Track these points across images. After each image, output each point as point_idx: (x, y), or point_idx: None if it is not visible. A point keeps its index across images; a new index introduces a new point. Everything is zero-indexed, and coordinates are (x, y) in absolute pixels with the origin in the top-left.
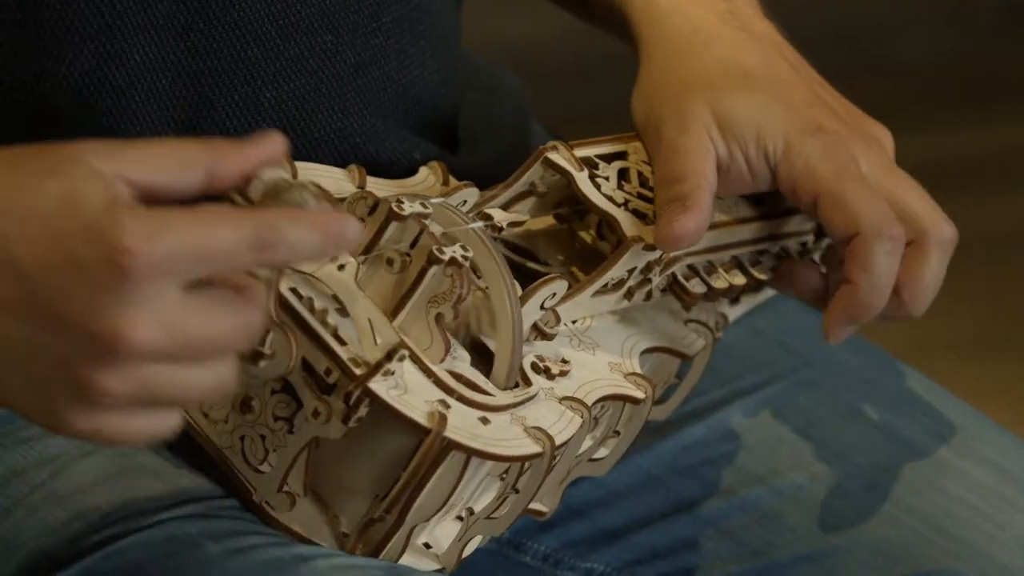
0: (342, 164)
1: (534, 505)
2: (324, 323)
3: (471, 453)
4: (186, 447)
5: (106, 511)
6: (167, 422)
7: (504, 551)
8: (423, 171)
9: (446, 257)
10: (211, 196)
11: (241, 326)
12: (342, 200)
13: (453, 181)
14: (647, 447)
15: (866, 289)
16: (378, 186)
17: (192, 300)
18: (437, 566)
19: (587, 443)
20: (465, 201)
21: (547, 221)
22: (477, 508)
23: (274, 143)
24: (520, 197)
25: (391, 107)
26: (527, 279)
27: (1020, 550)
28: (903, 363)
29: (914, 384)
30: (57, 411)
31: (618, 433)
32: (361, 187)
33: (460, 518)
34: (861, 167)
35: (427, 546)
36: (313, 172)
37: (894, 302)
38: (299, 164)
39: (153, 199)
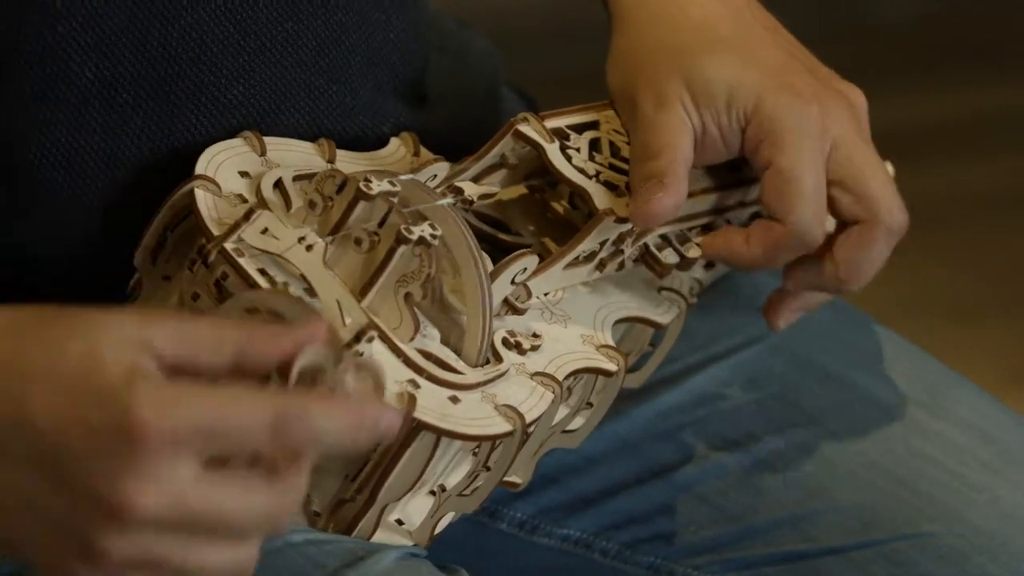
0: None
1: (508, 477)
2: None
3: (441, 433)
4: None
5: None
6: None
7: (480, 519)
8: (394, 142)
9: (414, 237)
10: None
11: (263, 508)
12: (311, 175)
13: (424, 152)
14: (622, 413)
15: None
16: (348, 160)
17: (209, 477)
18: (410, 542)
19: (561, 412)
20: (435, 176)
21: (519, 191)
22: (449, 484)
23: (315, 329)
24: (491, 169)
25: (360, 78)
26: (499, 251)
27: (995, 512)
28: (879, 324)
29: (890, 345)
30: (64, 566)
31: (591, 405)
32: (331, 161)
33: (432, 492)
34: (831, 135)
35: (399, 522)
36: (283, 147)
37: (831, 274)
38: (268, 139)
39: (180, 374)
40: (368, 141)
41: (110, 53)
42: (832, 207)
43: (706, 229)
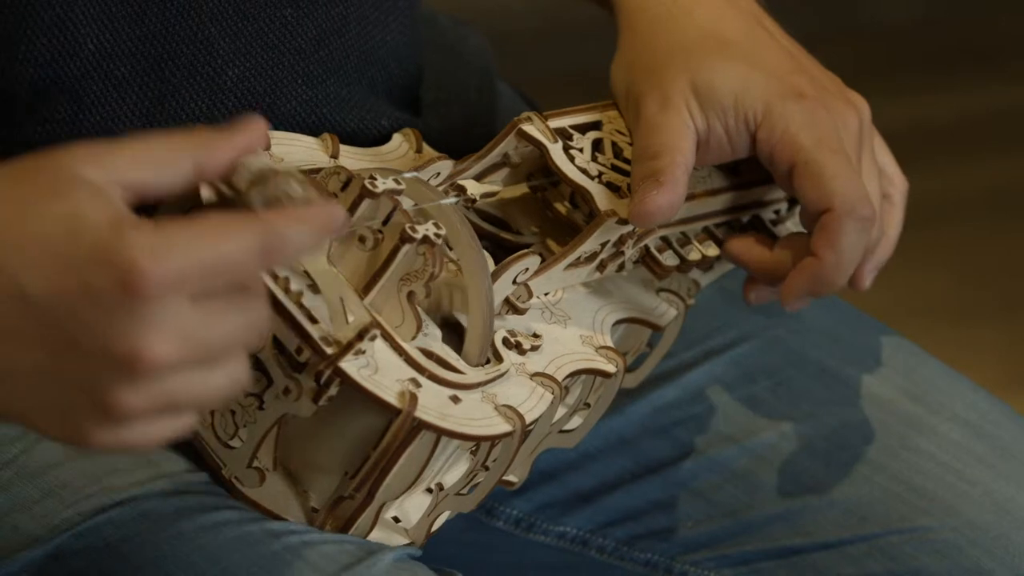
0: (311, 134)
1: (504, 476)
2: (296, 301)
3: (441, 433)
4: None
5: (77, 487)
6: (185, 423)
7: (477, 516)
8: (396, 138)
9: (419, 235)
10: None
11: (250, 324)
12: (316, 171)
13: (426, 148)
14: (618, 410)
15: (830, 266)
16: (352, 156)
17: (202, 308)
18: (406, 540)
19: (560, 412)
20: (438, 173)
21: (520, 190)
22: (447, 483)
23: (258, 128)
24: (493, 168)
25: (356, 74)
26: (501, 250)
27: (991, 507)
28: (872, 318)
29: (884, 341)
30: (80, 430)
31: (588, 405)
32: (334, 156)
33: (429, 490)
34: (841, 133)
35: (396, 520)
36: (286, 141)
37: (815, 268)
38: (272, 133)
39: (146, 196)
40: (367, 134)
41: (110, 25)
42: None
43: (706, 231)
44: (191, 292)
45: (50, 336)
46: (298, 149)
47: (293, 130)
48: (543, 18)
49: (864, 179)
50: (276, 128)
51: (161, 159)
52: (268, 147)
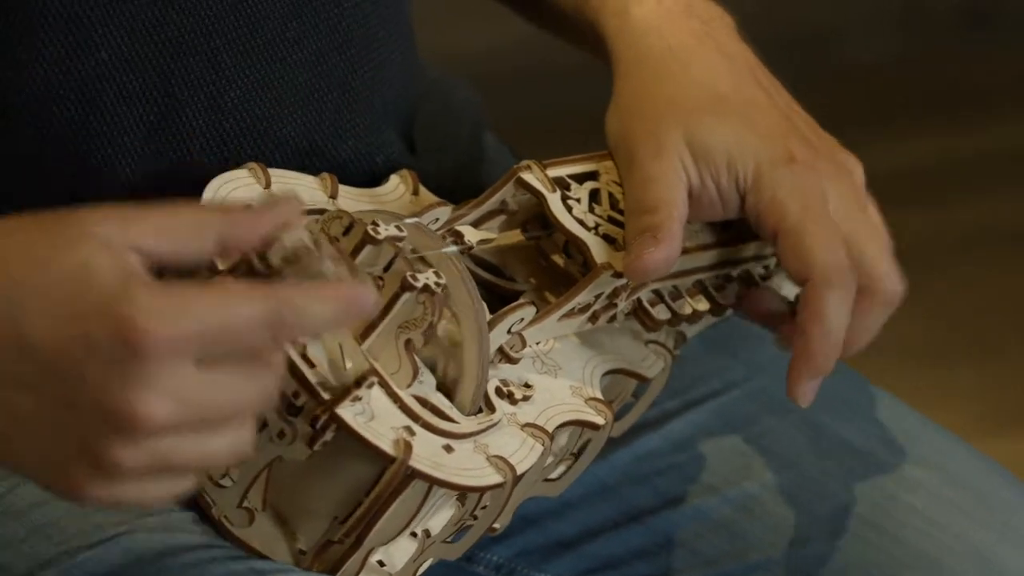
0: (304, 162)
1: None
2: (294, 344)
3: (434, 483)
4: None
5: (63, 526)
6: (184, 485)
7: (458, 561)
8: (394, 179)
9: (419, 284)
10: None
11: (256, 392)
12: (319, 213)
13: (423, 191)
14: (601, 457)
15: (818, 338)
16: (350, 197)
17: (208, 372)
18: None
19: (547, 459)
20: (437, 219)
21: (516, 237)
22: (433, 529)
23: (291, 207)
24: (490, 215)
25: (358, 94)
26: (495, 297)
27: (972, 558)
28: (852, 370)
29: (865, 393)
30: (74, 482)
31: (574, 455)
32: (333, 196)
33: (414, 535)
34: (829, 202)
35: (381, 564)
36: (287, 180)
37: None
38: (274, 171)
39: (165, 266)
40: (360, 168)
41: (127, 32)
42: None
43: (697, 285)
44: (195, 356)
45: (49, 384)
46: (297, 188)
47: (287, 155)
48: (529, 59)
49: (862, 242)
50: (271, 152)
51: (185, 234)
52: (267, 178)
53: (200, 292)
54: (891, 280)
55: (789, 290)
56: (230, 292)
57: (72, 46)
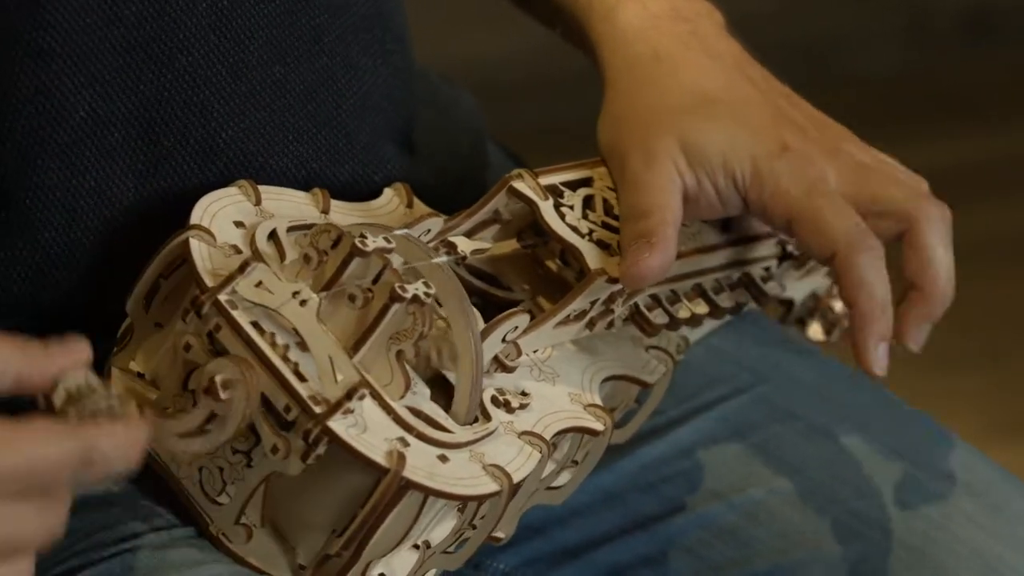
0: (304, 189)
1: (492, 532)
2: (285, 359)
3: (429, 493)
4: (142, 475)
5: (64, 543)
6: None
7: (464, 571)
8: (387, 193)
9: (408, 295)
10: None
11: (43, 528)
12: (307, 228)
13: (417, 203)
14: (605, 465)
15: (865, 301)
16: (342, 211)
17: None
18: None
19: (548, 469)
20: (429, 230)
21: (511, 245)
22: (433, 540)
23: (80, 348)
24: (484, 224)
25: (353, 123)
26: (491, 306)
27: (979, 565)
28: (860, 376)
29: (871, 397)
30: None
31: (576, 462)
32: (325, 211)
33: (416, 547)
34: (830, 180)
35: None
36: (277, 197)
37: (918, 300)
38: (263, 188)
39: None
40: (358, 189)
41: (103, 92)
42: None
43: (696, 289)
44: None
45: None
46: (288, 204)
47: (286, 185)
48: (526, 70)
49: (881, 189)
50: (268, 183)
51: None
52: (258, 196)
53: (10, 432)
54: (925, 204)
55: (791, 291)
56: (39, 432)
57: (44, 115)
